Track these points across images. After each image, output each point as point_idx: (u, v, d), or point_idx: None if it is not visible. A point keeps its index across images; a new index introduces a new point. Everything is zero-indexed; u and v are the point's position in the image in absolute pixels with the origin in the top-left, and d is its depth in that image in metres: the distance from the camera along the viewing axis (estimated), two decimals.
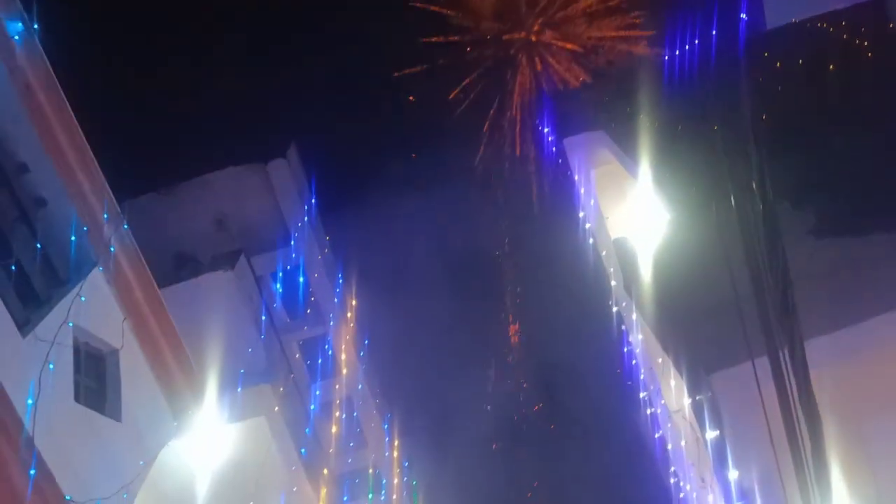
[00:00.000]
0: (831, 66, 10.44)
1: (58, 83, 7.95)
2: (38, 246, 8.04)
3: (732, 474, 8.29)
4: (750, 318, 6.69)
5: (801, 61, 10.71)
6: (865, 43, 10.65)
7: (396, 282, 16.62)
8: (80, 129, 8.17)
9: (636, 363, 12.72)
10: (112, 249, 8.67)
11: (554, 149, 12.76)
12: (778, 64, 10.92)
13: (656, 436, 13.12)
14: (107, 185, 8.54)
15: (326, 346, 16.25)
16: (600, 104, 12.11)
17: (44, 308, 7.98)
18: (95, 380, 8.74)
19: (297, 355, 16.26)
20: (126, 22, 14.90)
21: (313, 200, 15.65)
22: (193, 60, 15.50)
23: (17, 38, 7.52)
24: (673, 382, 10.42)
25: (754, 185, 6.71)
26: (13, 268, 7.62)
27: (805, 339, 6.63)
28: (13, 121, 7.79)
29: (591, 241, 12.33)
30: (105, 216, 8.57)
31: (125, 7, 14.67)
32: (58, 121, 7.91)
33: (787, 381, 6.04)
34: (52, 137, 7.95)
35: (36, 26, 7.65)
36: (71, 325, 8.08)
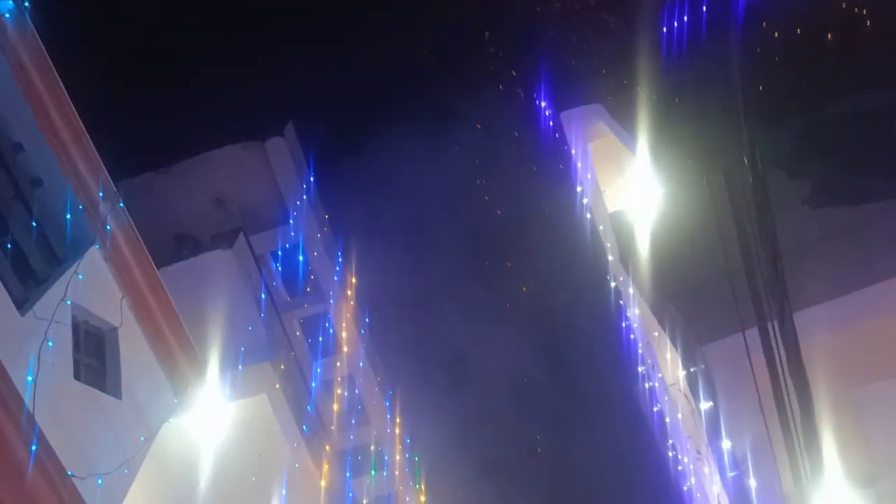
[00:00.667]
0: (829, 35, 10.36)
1: (50, 61, 7.94)
2: (35, 225, 8.08)
3: (725, 444, 8.36)
4: (741, 289, 6.73)
5: (798, 30, 10.63)
6: (864, 11, 10.55)
7: (395, 258, 16.64)
8: (73, 107, 8.17)
9: (634, 338, 12.77)
10: (108, 228, 8.71)
11: (551, 122, 12.73)
12: (776, 33, 10.83)
13: (655, 409, 13.22)
14: (102, 163, 8.56)
15: (327, 324, 16.33)
16: (597, 77, 12.05)
17: (42, 286, 8.03)
18: (95, 357, 8.82)
19: (298, 333, 16.34)
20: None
21: (311, 178, 15.65)
22: (190, 38, 15.43)
23: (7, 15, 7.50)
24: (669, 356, 10.48)
25: (745, 159, 6.74)
26: (10, 246, 7.67)
27: (799, 308, 6.68)
28: (7, 100, 7.80)
29: (588, 215, 12.33)
30: (101, 194, 8.60)
31: None
32: (51, 99, 7.92)
33: (776, 352, 6.08)
34: (45, 116, 7.95)
35: (27, 3, 7.62)
36: (69, 303, 8.14)
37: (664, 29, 11.52)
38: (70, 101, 8.06)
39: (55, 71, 7.98)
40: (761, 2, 12.06)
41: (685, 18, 11.25)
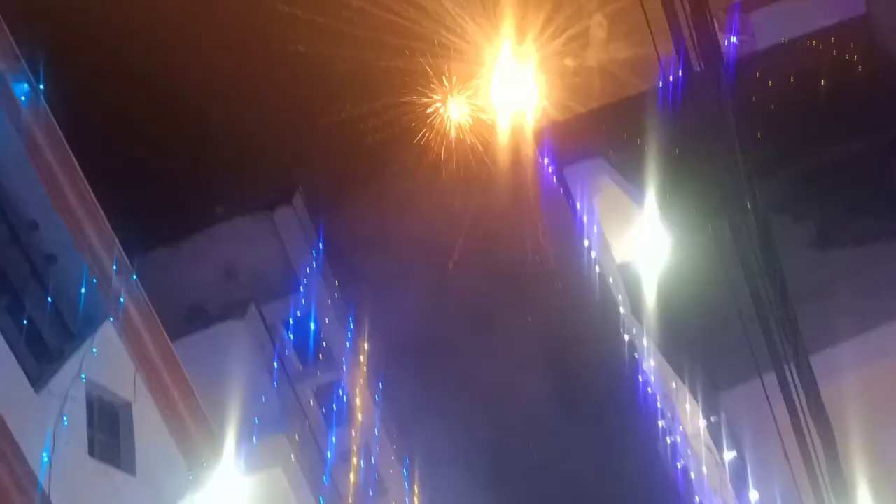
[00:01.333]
0: (822, 81, 10.59)
1: (64, 140, 8.16)
2: (49, 301, 8.17)
3: (753, 496, 8.13)
4: (755, 334, 6.68)
5: (792, 78, 10.87)
6: (855, 57, 10.80)
7: (407, 319, 16.60)
8: (87, 184, 8.35)
9: (652, 392, 12.59)
10: (122, 301, 8.78)
11: (555, 178, 12.89)
12: (770, 83, 11.08)
13: (678, 465, 12.91)
14: (115, 237, 8.69)
15: (341, 392, 16.18)
16: (598, 132, 12.28)
17: (56, 363, 8.06)
18: (109, 433, 8.76)
19: (312, 402, 16.19)
20: (129, 81, 15.33)
21: (321, 245, 15.78)
22: (196, 113, 15.86)
23: (23, 98, 7.77)
24: (688, 407, 10.31)
25: (748, 204, 6.79)
26: (25, 323, 7.74)
27: (815, 351, 6.60)
28: (22, 179, 7.99)
29: (597, 269, 12.35)
30: (114, 268, 8.70)
31: (127, 66, 15.14)
32: (65, 177, 8.11)
33: (795, 395, 6.00)
34: (60, 194, 8.14)
35: (42, 87, 7.90)
36: (83, 378, 8.14)
37: (660, 83, 11.79)
38: (84, 178, 8.26)
39: (69, 149, 8.21)
40: (754, 53, 12.37)
41: (679, 72, 11.50)
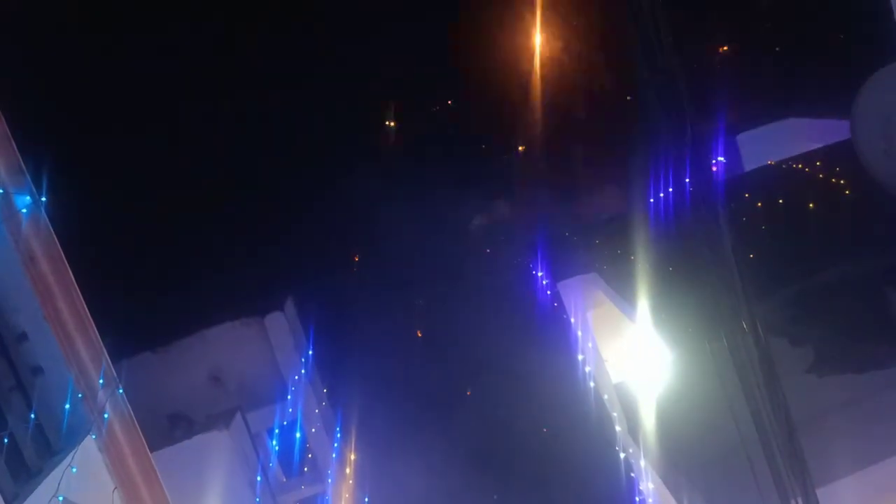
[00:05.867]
0: (811, 205, 10.82)
1: (62, 253, 8.12)
2: (33, 416, 7.91)
3: None
4: (759, 463, 6.52)
5: (781, 200, 11.12)
6: (842, 181, 11.08)
7: (394, 430, 16.19)
8: (80, 295, 8.26)
9: None
10: (106, 416, 8.51)
11: (549, 292, 12.90)
12: (759, 204, 11.31)
13: None
14: (104, 350, 8.52)
15: None
16: (591, 247, 12.39)
17: (33, 481, 7.72)
18: None
19: None
20: (128, 189, 15.53)
21: (310, 352, 15.55)
22: (188, 216, 15.97)
23: (24, 210, 7.78)
24: None
25: (745, 326, 6.77)
26: (6, 440, 7.46)
27: (821, 484, 6.44)
28: (15, 291, 7.91)
29: (591, 384, 12.18)
30: (101, 381, 8.48)
31: (128, 175, 15.41)
32: (60, 290, 8.02)
33: None
34: (52, 306, 8.02)
35: (44, 199, 7.93)
36: (61, 499, 7.79)
37: (651, 200, 12.01)
38: (79, 291, 8.17)
39: (66, 262, 8.15)
40: (741, 175, 12.71)
41: (670, 189, 11.75)
